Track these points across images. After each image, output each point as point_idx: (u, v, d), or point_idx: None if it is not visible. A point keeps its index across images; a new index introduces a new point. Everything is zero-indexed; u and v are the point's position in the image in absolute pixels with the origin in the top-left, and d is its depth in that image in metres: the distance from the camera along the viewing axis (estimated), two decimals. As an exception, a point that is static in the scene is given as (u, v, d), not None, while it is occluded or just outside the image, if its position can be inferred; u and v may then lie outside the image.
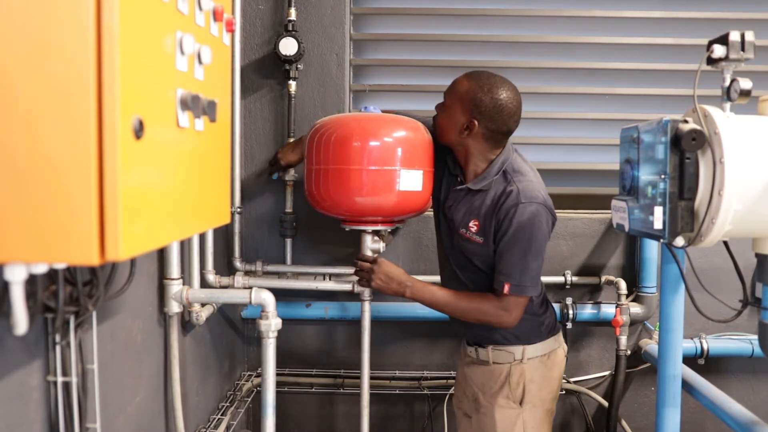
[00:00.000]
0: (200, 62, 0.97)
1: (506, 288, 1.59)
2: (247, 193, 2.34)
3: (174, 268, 1.63)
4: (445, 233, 1.77)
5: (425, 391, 2.39)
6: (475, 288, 1.70)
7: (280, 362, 2.20)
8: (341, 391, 2.40)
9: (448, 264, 1.79)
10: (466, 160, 1.70)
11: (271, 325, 1.63)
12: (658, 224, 1.32)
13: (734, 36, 1.29)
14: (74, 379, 1.07)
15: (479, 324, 1.68)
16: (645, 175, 1.40)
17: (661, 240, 1.33)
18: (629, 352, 2.31)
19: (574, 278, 2.37)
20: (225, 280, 2.02)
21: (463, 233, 1.68)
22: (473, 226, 1.66)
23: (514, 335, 1.71)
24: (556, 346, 1.77)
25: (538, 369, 1.72)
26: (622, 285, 2.28)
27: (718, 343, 2.32)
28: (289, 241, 2.33)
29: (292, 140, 2.26)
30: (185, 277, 1.72)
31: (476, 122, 1.62)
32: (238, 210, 2.19)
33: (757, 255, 1.36)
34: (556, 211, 1.68)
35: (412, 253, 2.39)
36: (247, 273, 2.23)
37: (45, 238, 0.72)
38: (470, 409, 1.81)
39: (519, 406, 1.70)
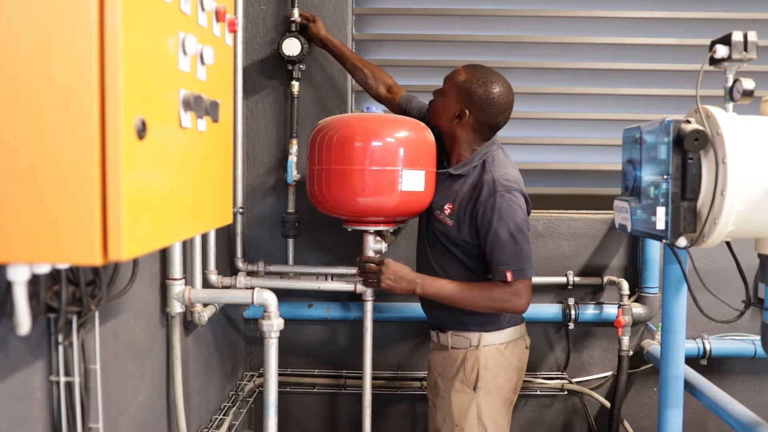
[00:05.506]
0: (203, 63, 0.97)
1: (509, 276, 1.63)
2: (249, 193, 2.34)
3: (176, 269, 1.63)
4: (423, 214, 1.85)
5: (426, 392, 2.39)
6: (441, 270, 1.76)
7: (282, 362, 2.20)
8: (343, 391, 2.40)
9: (422, 245, 1.85)
10: (452, 147, 1.79)
11: (273, 325, 1.63)
12: (660, 225, 1.31)
13: (737, 36, 1.29)
14: (77, 379, 1.07)
15: (491, 311, 1.70)
16: (647, 175, 1.39)
17: (664, 240, 1.33)
18: (631, 352, 2.31)
19: (577, 279, 2.37)
20: (227, 281, 2.02)
21: (437, 215, 1.76)
22: (447, 208, 1.73)
23: (473, 321, 1.74)
24: (516, 336, 1.79)
25: (494, 357, 1.74)
26: (625, 285, 2.28)
27: (720, 344, 2.31)
28: (291, 242, 2.33)
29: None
30: (187, 278, 1.72)
31: (467, 112, 1.70)
32: (241, 210, 2.20)
33: (760, 255, 1.36)
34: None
35: (414, 254, 2.38)
36: (249, 273, 2.23)
37: (48, 239, 0.72)
38: (433, 395, 1.86)
39: (473, 392, 1.73)
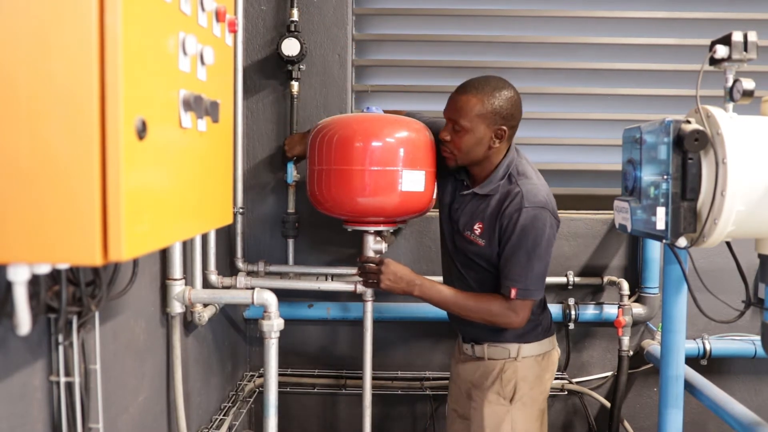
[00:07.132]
0: (203, 63, 0.97)
1: (513, 293, 1.60)
2: (249, 193, 2.34)
3: (176, 269, 1.63)
4: (448, 235, 1.79)
5: (427, 392, 2.39)
6: (480, 287, 1.72)
7: (282, 362, 2.20)
8: (343, 391, 2.40)
9: (453, 265, 1.79)
10: (477, 165, 1.70)
11: (274, 325, 1.63)
12: (660, 225, 1.31)
13: (737, 36, 1.29)
14: (77, 380, 1.07)
15: (484, 323, 1.68)
16: (647, 175, 1.40)
17: (664, 241, 1.33)
18: (631, 352, 2.31)
19: (577, 279, 2.37)
20: (227, 281, 2.02)
21: (467, 235, 1.70)
22: (477, 228, 1.68)
23: (511, 333, 1.72)
24: (551, 347, 1.79)
25: (532, 368, 1.73)
26: (625, 285, 2.28)
27: (720, 344, 2.32)
28: (291, 242, 2.34)
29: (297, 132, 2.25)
30: (187, 278, 1.72)
31: (505, 128, 1.63)
32: (241, 210, 2.20)
33: (760, 256, 1.36)
34: (559, 211, 1.69)
35: (414, 254, 2.39)
36: (250, 273, 2.23)
37: (48, 239, 0.72)
38: (466, 407, 1.82)
39: (509, 404, 1.70)
